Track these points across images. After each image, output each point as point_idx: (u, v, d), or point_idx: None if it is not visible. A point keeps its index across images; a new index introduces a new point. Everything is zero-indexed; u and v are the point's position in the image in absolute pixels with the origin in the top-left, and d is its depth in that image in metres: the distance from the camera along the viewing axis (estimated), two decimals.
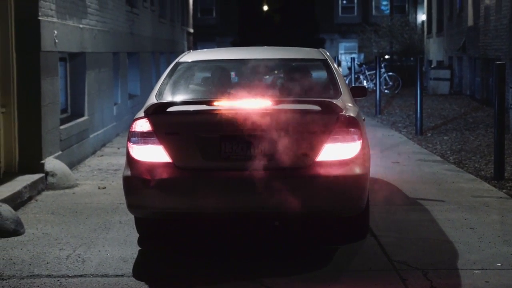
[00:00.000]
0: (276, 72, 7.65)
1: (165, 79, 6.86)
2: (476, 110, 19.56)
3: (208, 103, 5.99)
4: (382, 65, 26.84)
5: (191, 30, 34.21)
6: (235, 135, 5.83)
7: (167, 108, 5.99)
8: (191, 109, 6.02)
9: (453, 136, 14.29)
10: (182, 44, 29.30)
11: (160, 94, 6.59)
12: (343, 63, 38.38)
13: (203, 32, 46.84)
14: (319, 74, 7.55)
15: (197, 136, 5.87)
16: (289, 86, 7.06)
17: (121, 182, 9.17)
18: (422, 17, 40.69)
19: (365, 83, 28.57)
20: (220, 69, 7.31)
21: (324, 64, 7.14)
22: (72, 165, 10.52)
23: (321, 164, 5.79)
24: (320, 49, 7.72)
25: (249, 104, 5.92)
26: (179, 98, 6.55)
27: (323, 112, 5.91)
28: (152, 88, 19.77)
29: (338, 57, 31.89)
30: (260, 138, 5.80)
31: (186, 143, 5.88)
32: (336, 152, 5.85)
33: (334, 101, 6.05)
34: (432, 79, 27.19)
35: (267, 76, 7.49)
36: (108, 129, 13.62)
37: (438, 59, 30.87)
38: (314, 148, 5.80)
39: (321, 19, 50.55)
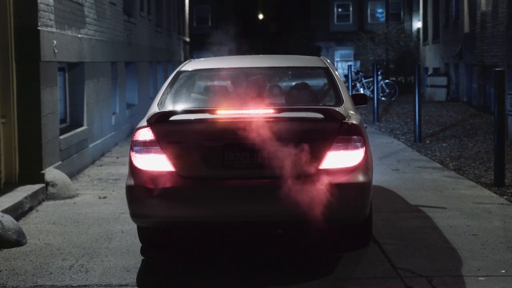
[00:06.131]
0: (278, 80, 7.65)
1: (166, 88, 6.85)
2: (474, 117, 19.59)
3: (211, 111, 5.98)
4: (379, 72, 26.86)
5: (188, 39, 34.25)
6: (238, 143, 5.82)
7: (169, 117, 5.99)
8: (194, 118, 6.01)
9: (451, 143, 14.31)
10: (178, 53, 29.34)
11: (162, 103, 6.58)
12: (339, 71, 38.44)
13: (199, 41, 46.83)
14: (321, 82, 7.56)
15: (200, 144, 5.86)
16: (291, 94, 7.08)
17: (121, 191, 9.23)
18: (417, 24, 40.77)
19: (361, 91, 28.60)
20: (221, 77, 7.30)
21: (325, 71, 7.14)
22: (72, 175, 10.50)
23: (325, 172, 5.78)
24: (321, 57, 7.72)
25: (252, 113, 5.92)
26: (181, 107, 6.54)
27: (326, 120, 5.91)
28: (149, 98, 19.76)
29: (334, 65, 31.91)
30: (263, 147, 5.79)
31: (189, 152, 5.87)
32: (339, 159, 5.84)
33: (337, 109, 6.04)
34: (428, 86, 27.24)
35: (269, 84, 7.49)
36: (107, 138, 13.61)
37: (435, 66, 30.93)
38: (317, 156, 5.80)
39: (316, 27, 50.59)
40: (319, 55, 10.53)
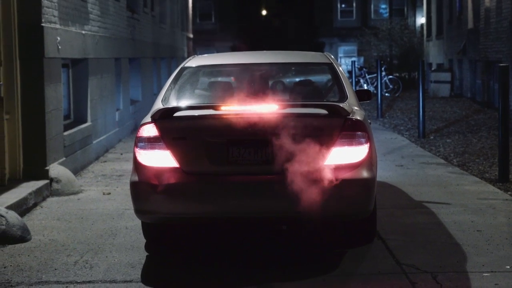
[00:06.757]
0: (282, 76, 7.65)
1: (170, 84, 6.85)
2: (478, 113, 19.57)
3: (215, 107, 5.98)
4: (383, 68, 26.83)
5: (191, 35, 34.23)
6: (242, 139, 5.82)
7: (174, 113, 5.98)
8: (198, 114, 6.01)
9: (455, 139, 14.29)
10: (182, 49, 29.32)
11: (166, 99, 6.57)
12: (343, 67, 38.43)
13: (202, 37, 46.88)
14: (325, 78, 7.55)
15: (204, 140, 5.86)
16: (295, 90, 7.07)
17: (125, 187, 9.24)
18: (421, 20, 40.72)
19: (365, 87, 28.57)
20: (225, 73, 7.29)
21: (329, 67, 7.13)
22: (76, 171, 10.52)
23: (329, 168, 5.77)
24: (325, 53, 7.71)
25: (256, 109, 5.91)
26: (185, 103, 6.54)
27: (330, 116, 5.90)
28: (153, 94, 19.79)
29: (337, 61, 31.84)
30: (267, 143, 5.79)
31: (193, 148, 5.87)
32: (344, 155, 5.83)
33: (341, 105, 6.03)
34: (432, 82, 27.20)
35: (273, 80, 7.49)
36: (110, 135, 13.62)
37: (438, 62, 30.89)
38: (322, 152, 5.78)
39: (320, 23, 50.57)
40: (322, 51, 10.52)
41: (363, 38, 38.51)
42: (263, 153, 5.82)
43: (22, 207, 7.98)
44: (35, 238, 6.99)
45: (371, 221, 6.46)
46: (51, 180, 9.13)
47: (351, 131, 5.88)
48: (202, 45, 47.30)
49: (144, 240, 6.76)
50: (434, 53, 32.51)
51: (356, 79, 27.06)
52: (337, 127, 5.85)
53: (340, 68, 7.16)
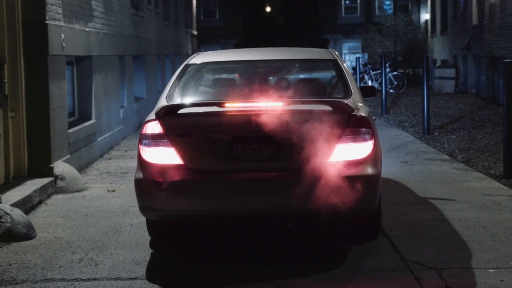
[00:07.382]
0: (286, 72, 7.64)
1: (175, 81, 6.84)
2: (482, 109, 19.53)
3: (219, 104, 5.97)
4: (387, 64, 26.78)
5: (195, 32, 34.24)
6: (247, 136, 5.81)
7: (178, 110, 5.98)
8: (202, 111, 6.00)
9: (460, 135, 14.27)
10: (186, 46, 29.32)
11: (170, 96, 6.57)
12: (347, 63, 38.38)
13: (206, 34, 46.87)
14: (329, 75, 7.54)
15: (209, 137, 5.85)
16: (300, 86, 7.06)
17: (130, 185, 9.25)
18: (425, 16, 40.63)
19: (369, 83, 28.54)
20: (229, 70, 7.28)
21: (334, 64, 7.12)
22: (80, 168, 10.52)
23: (334, 164, 5.76)
24: (330, 49, 7.71)
25: (260, 105, 5.91)
26: (189, 100, 6.53)
27: (335, 113, 5.89)
28: (157, 91, 19.76)
29: (342, 57, 31.79)
30: (272, 139, 5.79)
31: (197, 145, 5.86)
32: (348, 152, 5.82)
33: (345, 101, 6.03)
34: (437, 78, 27.17)
35: (277, 77, 7.48)
36: (115, 132, 13.63)
37: (443, 58, 30.85)
38: (326, 149, 5.77)
39: (324, 20, 50.52)
40: (326, 48, 10.52)
41: (367, 35, 38.43)
42: (268, 150, 5.82)
43: (27, 205, 7.99)
44: (40, 235, 7.00)
45: (375, 218, 6.45)
46: (56, 177, 9.14)
47: (355, 127, 5.87)
48: (206, 42, 47.29)
49: (149, 238, 6.76)
50: (438, 49, 32.46)
51: (361, 76, 27.04)
52: (342, 124, 5.84)
53: (345, 65, 7.15)
